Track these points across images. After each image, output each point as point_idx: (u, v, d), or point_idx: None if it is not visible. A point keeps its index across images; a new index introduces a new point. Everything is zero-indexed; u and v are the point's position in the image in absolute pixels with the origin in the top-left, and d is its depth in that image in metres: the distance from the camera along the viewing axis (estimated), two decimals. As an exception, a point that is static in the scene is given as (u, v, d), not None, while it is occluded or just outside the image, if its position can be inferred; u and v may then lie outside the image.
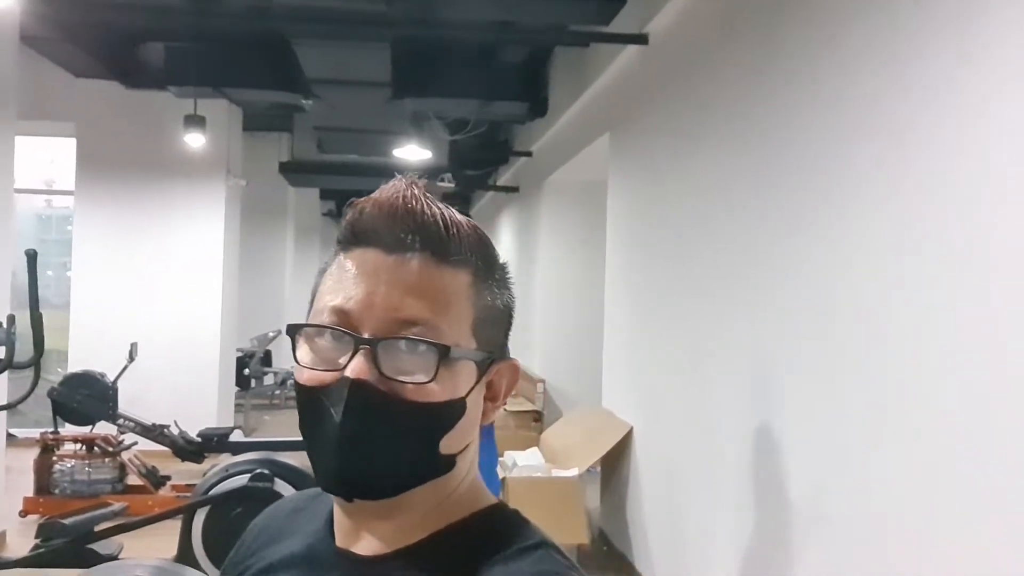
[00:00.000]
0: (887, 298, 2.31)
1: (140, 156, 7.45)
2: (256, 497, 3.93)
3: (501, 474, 5.02)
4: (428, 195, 0.72)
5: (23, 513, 5.62)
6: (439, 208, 0.71)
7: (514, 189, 9.70)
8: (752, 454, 3.13)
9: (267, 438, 7.00)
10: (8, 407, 4.52)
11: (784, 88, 2.97)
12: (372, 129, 7.42)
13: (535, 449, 5.50)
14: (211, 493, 3.98)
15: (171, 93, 6.51)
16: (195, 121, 6.58)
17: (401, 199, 0.70)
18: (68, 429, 6.17)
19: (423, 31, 4.73)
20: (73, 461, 5.89)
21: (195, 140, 6.76)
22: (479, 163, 9.72)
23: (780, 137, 3.00)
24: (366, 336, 0.68)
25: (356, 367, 0.67)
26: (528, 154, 8.48)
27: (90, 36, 6.02)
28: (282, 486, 4.03)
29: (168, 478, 6.06)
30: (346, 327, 0.69)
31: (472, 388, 0.72)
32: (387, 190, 0.72)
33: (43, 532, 4.14)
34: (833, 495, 2.59)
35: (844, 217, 2.54)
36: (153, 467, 6.05)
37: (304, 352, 0.71)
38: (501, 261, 0.77)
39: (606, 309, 5.52)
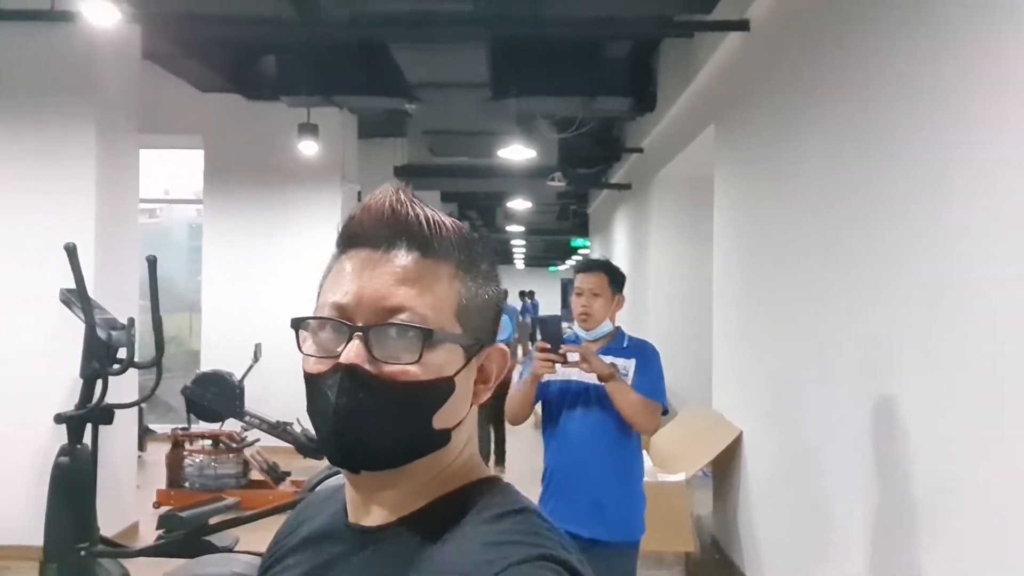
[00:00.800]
0: (1012, 289, 2.09)
1: (262, 164, 7.79)
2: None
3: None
4: (414, 199, 0.80)
5: (156, 504, 5.97)
6: (422, 209, 0.79)
7: (626, 186, 9.54)
8: (875, 459, 2.91)
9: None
10: (130, 405, 4.80)
11: (897, 73, 2.74)
12: (477, 131, 7.46)
13: (643, 452, 5.35)
14: (319, 487, 4.08)
15: (285, 105, 6.75)
16: (308, 129, 6.81)
17: (388, 203, 0.79)
18: (200, 425, 6.53)
19: (518, 30, 4.70)
20: (201, 456, 6.22)
21: (308, 148, 7.00)
22: (591, 160, 9.62)
23: (891, 124, 2.77)
24: (359, 324, 0.76)
25: (349, 353, 0.76)
26: (639, 150, 8.32)
27: (211, 51, 6.33)
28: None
29: (288, 474, 6.30)
30: (343, 318, 0.77)
31: (460, 369, 0.79)
32: (376, 196, 0.80)
33: (163, 524, 4.38)
34: (961, 497, 2.37)
35: (968, 207, 2.31)
36: (274, 463, 6.30)
37: (308, 344, 0.80)
38: (488, 258, 0.84)
39: (715, 307, 5.33)
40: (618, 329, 2.85)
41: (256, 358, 6.86)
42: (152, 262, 4.84)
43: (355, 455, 0.78)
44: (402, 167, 9.31)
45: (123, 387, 4.72)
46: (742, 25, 4.27)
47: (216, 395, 6.60)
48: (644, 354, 2.78)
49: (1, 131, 4.80)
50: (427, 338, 0.76)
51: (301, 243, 7.83)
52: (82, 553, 4.24)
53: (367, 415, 0.76)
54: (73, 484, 4.28)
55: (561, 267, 32.62)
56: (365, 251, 0.79)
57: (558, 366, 2.61)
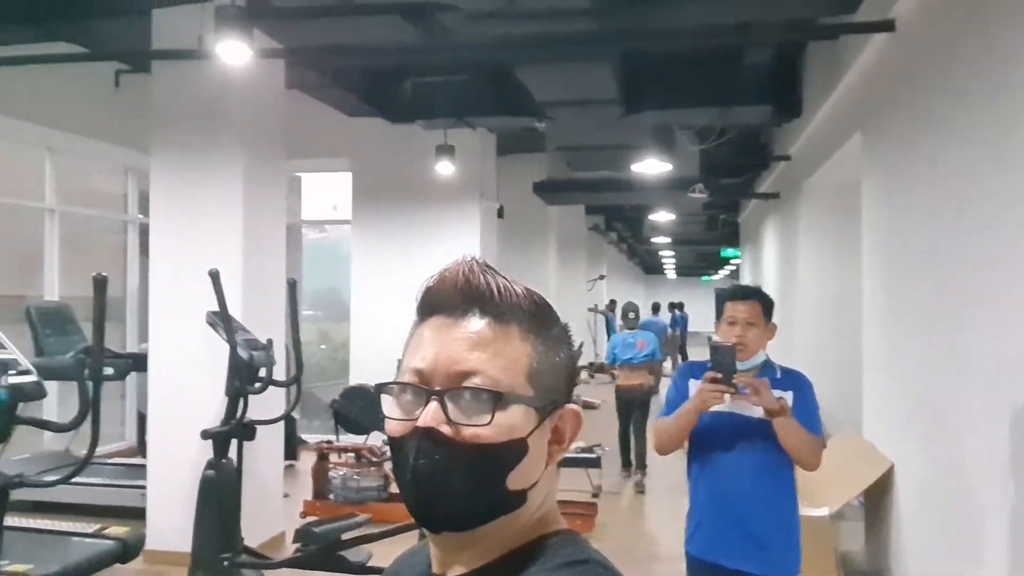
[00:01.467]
0: None
1: (404, 184, 8.02)
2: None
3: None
4: (486, 268, 0.86)
5: (303, 515, 6.23)
6: (493, 278, 0.85)
7: (774, 195, 9.12)
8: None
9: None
10: (271, 422, 5.03)
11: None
12: (613, 145, 7.37)
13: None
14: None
15: (430, 128, 6.93)
16: (445, 150, 6.95)
17: (460, 273, 0.85)
18: (346, 438, 6.76)
19: (644, 44, 4.57)
20: (344, 469, 6.44)
21: (445, 168, 7.14)
22: (737, 170, 9.27)
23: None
24: (436, 389, 0.81)
25: (426, 416, 0.80)
26: (786, 158, 7.93)
27: (354, 78, 6.58)
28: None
29: (425, 489, 6.41)
30: (421, 383, 0.82)
31: (532, 430, 0.82)
32: (451, 268, 0.86)
33: (299, 538, 4.55)
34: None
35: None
36: (411, 478, 6.43)
37: (390, 407, 0.85)
38: (560, 321, 0.89)
39: (864, 326, 4.96)
40: (767, 358, 2.73)
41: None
42: (292, 285, 5.07)
43: (434, 516, 0.82)
44: (541, 183, 9.33)
45: (267, 403, 4.97)
46: (887, 26, 3.96)
47: (362, 409, 6.82)
48: (800, 386, 2.68)
49: (159, 162, 5.17)
50: (498, 400, 0.80)
51: (442, 259, 7.87)
52: (225, 563, 4.47)
53: (444, 476, 0.80)
54: (218, 496, 4.53)
55: (715, 277, 31.79)
56: (441, 318, 0.84)
57: (726, 396, 2.54)
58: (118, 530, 4.91)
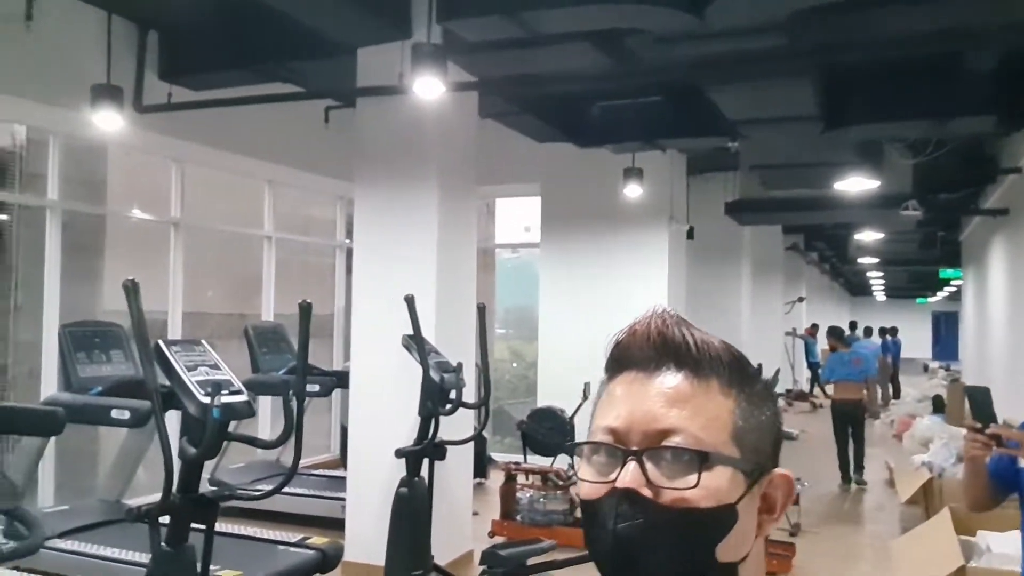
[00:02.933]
0: None
1: (593, 208, 8.02)
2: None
3: (973, 563, 4.26)
4: (679, 319, 0.81)
5: (491, 534, 6.33)
6: (688, 330, 0.80)
7: (1002, 211, 8.26)
8: None
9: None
10: (462, 442, 5.14)
11: None
12: (812, 162, 6.97)
13: (1017, 532, 4.53)
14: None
15: (618, 150, 6.90)
16: (633, 173, 6.88)
17: (652, 326, 0.80)
18: (534, 458, 6.82)
19: (844, 56, 4.28)
20: (532, 491, 6.48)
21: (633, 191, 7.06)
22: (956, 184, 8.49)
23: None
24: (633, 448, 0.76)
25: (625, 477, 0.75)
26: (1016, 170, 7.17)
27: (544, 105, 6.67)
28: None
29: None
30: (616, 443, 0.77)
31: (742, 496, 0.76)
32: (641, 320, 0.81)
33: (485, 560, 4.60)
34: None
35: None
36: (598, 503, 6.36)
37: (584, 469, 0.80)
38: (762, 378, 0.82)
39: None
40: None
41: (585, 396, 7.00)
42: (481, 309, 5.19)
43: None
44: (733, 203, 9.01)
45: (458, 423, 5.10)
46: None
47: (549, 430, 6.86)
48: None
49: (363, 191, 5.47)
50: (703, 461, 0.74)
51: (630, 283, 7.89)
52: (417, 580, 4.61)
53: (646, 543, 0.74)
54: (411, 514, 4.69)
55: (931, 299, 29.34)
56: (633, 373, 0.80)
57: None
58: (319, 540, 5.21)
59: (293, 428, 3.40)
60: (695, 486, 0.74)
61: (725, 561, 0.76)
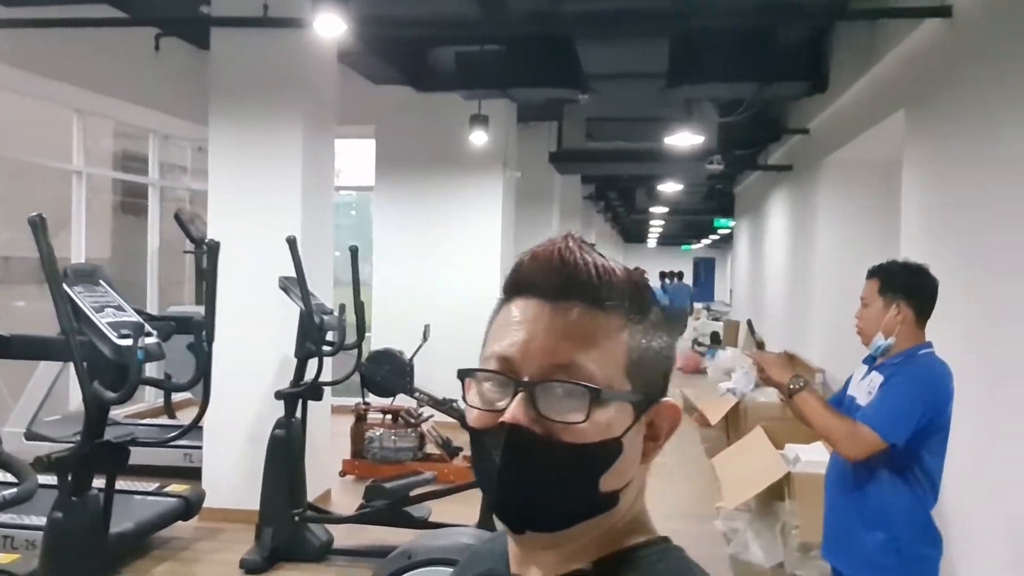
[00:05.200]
0: None
1: (429, 153, 8.12)
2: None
3: (784, 468, 4.93)
4: (583, 246, 0.78)
5: (342, 473, 6.41)
6: (592, 258, 0.77)
7: (787, 167, 9.34)
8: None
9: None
10: (337, 383, 5.19)
11: None
12: (643, 117, 7.51)
13: (819, 443, 5.34)
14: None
15: (458, 95, 7.00)
16: (480, 120, 7.05)
17: (557, 251, 0.76)
18: (372, 400, 6.92)
19: (704, 22, 4.71)
20: (381, 430, 6.61)
21: (479, 138, 7.24)
22: (749, 142, 9.46)
23: None
24: (524, 380, 0.74)
25: (513, 411, 0.73)
26: (804, 131, 8.13)
27: (388, 47, 6.63)
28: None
29: (460, 449, 6.61)
30: (508, 372, 0.75)
31: (628, 428, 0.75)
32: (545, 244, 0.78)
33: (369, 494, 4.73)
34: None
35: None
36: (448, 438, 6.63)
37: (472, 394, 0.78)
38: (657, 304, 0.81)
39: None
40: (916, 347, 2.44)
41: (425, 338, 7.19)
42: (354, 252, 5.19)
43: (519, 517, 0.76)
44: (558, 152, 9.44)
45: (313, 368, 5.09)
46: (943, 11, 4.14)
47: (388, 372, 6.98)
48: (898, 374, 2.38)
49: (221, 128, 5.23)
50: (595, 397, 0.73)
51: (466, 229, 8.11)
52: (295, 518, 4.65)
53: (532, 477, 0.74)
54: (287, 454, 4.69)
55: (695, 246, 32.13)
56: (533, 301, 0.76)
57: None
58: (178, 487, 5.08)
59: (205, 370, 3.33)
60: (583, 421, 0.73)
61: (608, 490, 0.76)
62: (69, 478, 3.00)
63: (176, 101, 7.15)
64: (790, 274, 9.31)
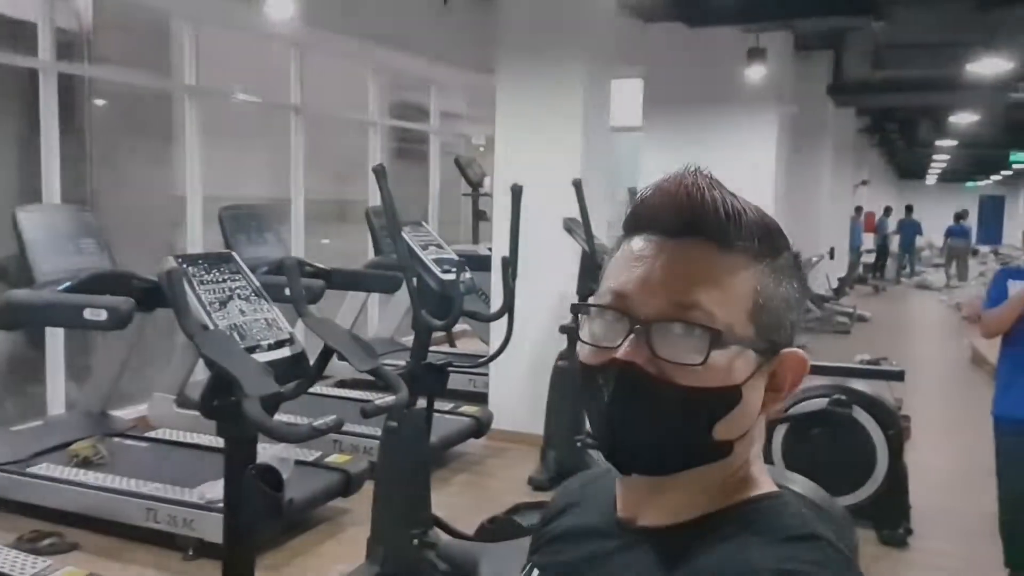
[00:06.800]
0: None
1: (699, 90, 7.95)
2: (834, 421, 4.11)
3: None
4: (713, 182, 0.73)
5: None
6: (721, 194, 0.72)
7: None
8: None
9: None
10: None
11: None
12: (943, 43, 6.82)
13: None
14: (792, 412, 4.26)
15: (734, 28, 6.80)
16: (758, 54, 6.80)
17: (682, 186, 0.73)
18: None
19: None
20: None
21: (756, 73, 7.00)
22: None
23: None
24: (641, 318, 0.71)
25: (626, 349, 0.71)
26: None
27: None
28: (859, 413, 4.14)
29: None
30: (623, 309, 0.72)
31: (750, 376, 0.72)
32: (670, 179, 0.74)
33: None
34: None
35: None
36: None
37: (586, 331, 0.75)
38: (790, 248, 0.76)
39: None
40: None
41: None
42: (632, 193, 5.31)
43: (627, 458, 0.75)
44: (839, 84, 8.88)
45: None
46: None
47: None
48: None
49: (508, 75, 5.52)
50: (715, 339, 0.69)
51: (738, 168, 7.81)
52: (577, 443, 4.95)
53: (642, 418, 0.72)
54: (569, 385, 4.98)
55: (981, 183, 28.86)
56: (655, 237, 0.73)
57: None
58: (470, 409, 5.57)
59: (510, 303, 3.63)
60: (701, 364, 0.69)
61: (722, 439, 0.73)
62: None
63: (459, 52, 7.58)
64: None
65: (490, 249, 5.88)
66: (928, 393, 7.44)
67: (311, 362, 2.11)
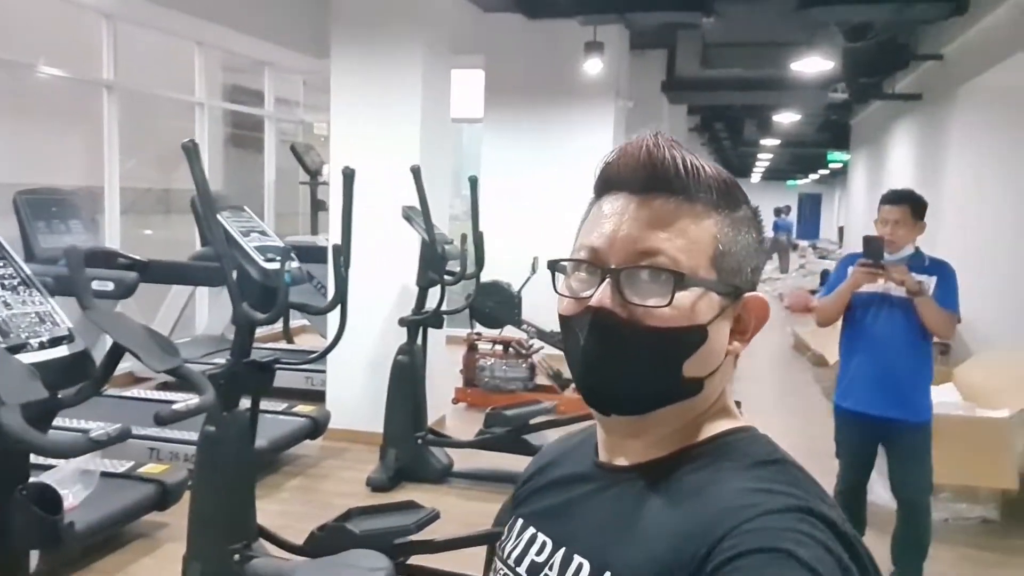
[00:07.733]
0: None
1: (539, 83, 7.97)
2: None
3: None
4: (672, 142, 0.79)
5: (454, 401, 6.56)
6: (679, 153, 0.79)
7: (915, 96, 8.81)
8: None
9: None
10: (457, 311, 5.27)
11: None
12: (767, 42, 7.15)
13: (950, 384, 5.13)
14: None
15: (573, 21, 6.82)
16: (595, 47, 6.86)
17: (644, 147, 0.79)
18: (480, 331, 7.00)
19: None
20: (492, 359, 6.71)
21: (594, 66, 7.07)
22: (874, 70, 8.92)
23: None
24: (611, 267, 0.77)
25: (599, 295, 0.77)
26: (937, 57, 7.63)
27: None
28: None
29: (571, 381, 6.64)
30: (596, 262, 0.79)
31: (714, 318, 0.78)
32: (632, 141, 0.80)
33: (489, 420, 4.83)
34: None
35: None
36: (558, 370, 6.67)
37: (562, 285, 0.82)
38: (748, 202, 0.82)
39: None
40: (917, 250, 3.30)
41: (533, 270, 7.19)
42: (473, 182, 5.20)
43: (604, 398, 0.80)
44: (672, 80, 9.15)
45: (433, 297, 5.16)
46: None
47: (497, 303, 7.04)
48: (944, 272, 3.24)
49: (343, 58, 5.26)
50: (679, 281, 0.75)
51: (576, 160, 7.94)
52: (418, 441, 4.79)
53: (615, 358, 0.77)
54: (410, 379, 4.81)
55: (801, 181, 30.95)
56: (621, 195, 0.80)
57: (881, 280, 3.19)
58: (305, 408, 5.29)
59: (342, 295, 3.42)
60: (667, 305, 0.75)
61: (692, 376, 0.78)
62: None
63: (291, 33, 7.23)
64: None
65: (328, 240, 5.60)
66: (756, 379, 7.81)
67: (96, 363, 1.84)
